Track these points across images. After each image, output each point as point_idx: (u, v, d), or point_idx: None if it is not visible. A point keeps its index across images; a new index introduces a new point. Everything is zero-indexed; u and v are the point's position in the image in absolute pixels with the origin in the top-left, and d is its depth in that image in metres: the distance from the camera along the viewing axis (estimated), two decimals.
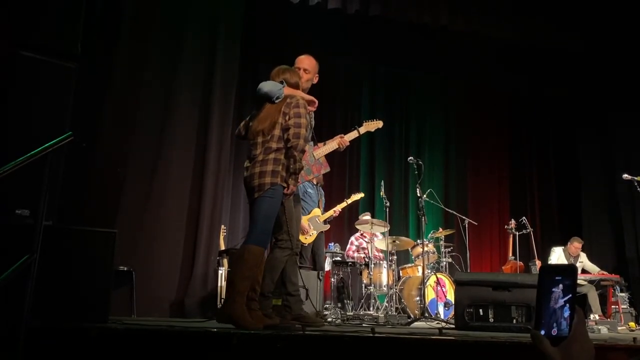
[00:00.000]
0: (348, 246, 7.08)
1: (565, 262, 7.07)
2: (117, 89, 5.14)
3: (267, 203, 3.19)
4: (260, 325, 3.01)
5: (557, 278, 0.86)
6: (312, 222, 5.75)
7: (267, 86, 3.37)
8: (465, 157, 9.16)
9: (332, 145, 3.90)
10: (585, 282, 6.90)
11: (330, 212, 6.08)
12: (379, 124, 4.38)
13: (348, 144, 3.98)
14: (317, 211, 5.85)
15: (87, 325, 2.69)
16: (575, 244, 7.17)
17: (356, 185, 8.35)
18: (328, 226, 6.06)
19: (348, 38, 7.70)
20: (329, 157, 3.95)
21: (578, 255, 7.16)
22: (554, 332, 0.85)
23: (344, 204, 6.42)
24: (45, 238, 2.51)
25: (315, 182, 5.95)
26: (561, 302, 0.85)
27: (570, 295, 0.85)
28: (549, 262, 7.07)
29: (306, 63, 3.80)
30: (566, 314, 0.84)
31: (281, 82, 3.41)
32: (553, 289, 0.85)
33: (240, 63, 5.95)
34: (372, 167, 8.60)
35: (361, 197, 6.69)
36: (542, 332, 0.85)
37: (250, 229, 3.26)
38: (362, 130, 4.26)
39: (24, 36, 3.40)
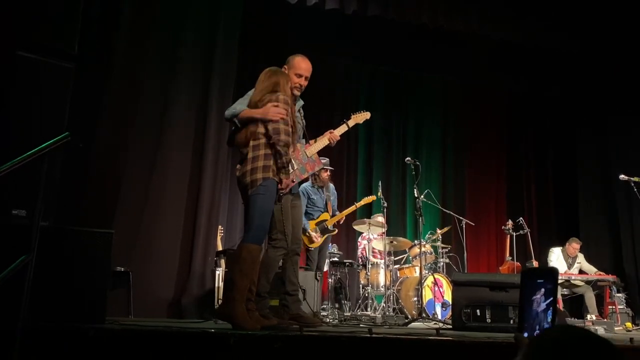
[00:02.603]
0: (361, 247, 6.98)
1: (564, 262, 7.10)
2: (115, 90, 5.13)
3: (261, 199, 3.15)
4: (258, 326, 3.01)
5: (539, 281, 0.86)
6: (320, 227, 5.71)
7: (226, 115, 3.40)
8: (462, 157, 9.16)
9: (323, 141, 3.85)
10: (582, 283, 6.91)
11: (340, 216, 6.05)
12: (367, 115, 4.21)
13: (339, 138, 3.91)
14: (325, 215, 5.80)
15: (84, 325, 2.69)
16: (574, 245, 7.18)
17: (354, 185, 8.35)
18: (335, 230, 5.99)
19: (346, 38, 7.70)
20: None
21: (576, 257, 7.17)
22: (537, 334, 0.85)
23: (353, 208, 6.34)
24: (42, 238, 2.50)
25: (320, 186, 5.87)
26: (544, 305, 0.85)
27: (552, 299, 0.85)
28: (549, 263, 7.09)
29: (309, 71, 3.62)
30: (549, 317, 0.85)
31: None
32: (535, 293, 0.85)
33: (239, 63, 5.95)
34: (370, 168, 8.59)
35: (373, 200, 6.54)
36: (525, 335, 0.85)
37: (247, 227, 3.23)
38: (351, 123, 4.13)
39: (22, 37, 3.39)
